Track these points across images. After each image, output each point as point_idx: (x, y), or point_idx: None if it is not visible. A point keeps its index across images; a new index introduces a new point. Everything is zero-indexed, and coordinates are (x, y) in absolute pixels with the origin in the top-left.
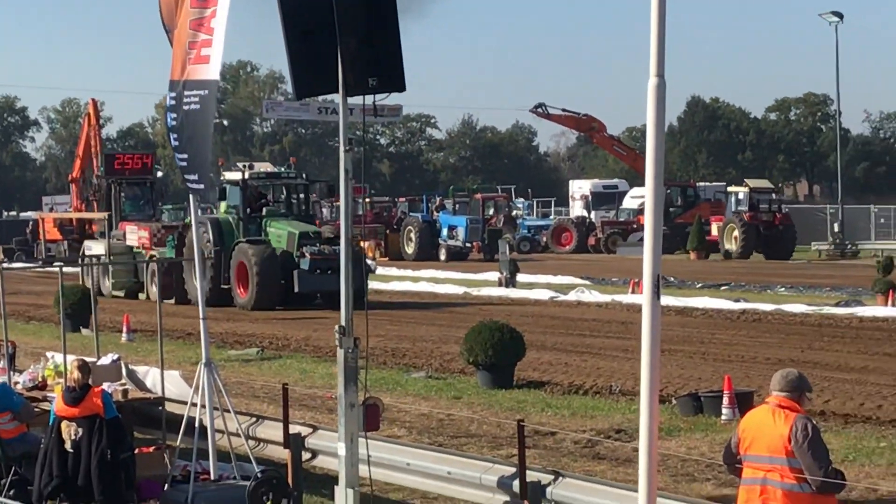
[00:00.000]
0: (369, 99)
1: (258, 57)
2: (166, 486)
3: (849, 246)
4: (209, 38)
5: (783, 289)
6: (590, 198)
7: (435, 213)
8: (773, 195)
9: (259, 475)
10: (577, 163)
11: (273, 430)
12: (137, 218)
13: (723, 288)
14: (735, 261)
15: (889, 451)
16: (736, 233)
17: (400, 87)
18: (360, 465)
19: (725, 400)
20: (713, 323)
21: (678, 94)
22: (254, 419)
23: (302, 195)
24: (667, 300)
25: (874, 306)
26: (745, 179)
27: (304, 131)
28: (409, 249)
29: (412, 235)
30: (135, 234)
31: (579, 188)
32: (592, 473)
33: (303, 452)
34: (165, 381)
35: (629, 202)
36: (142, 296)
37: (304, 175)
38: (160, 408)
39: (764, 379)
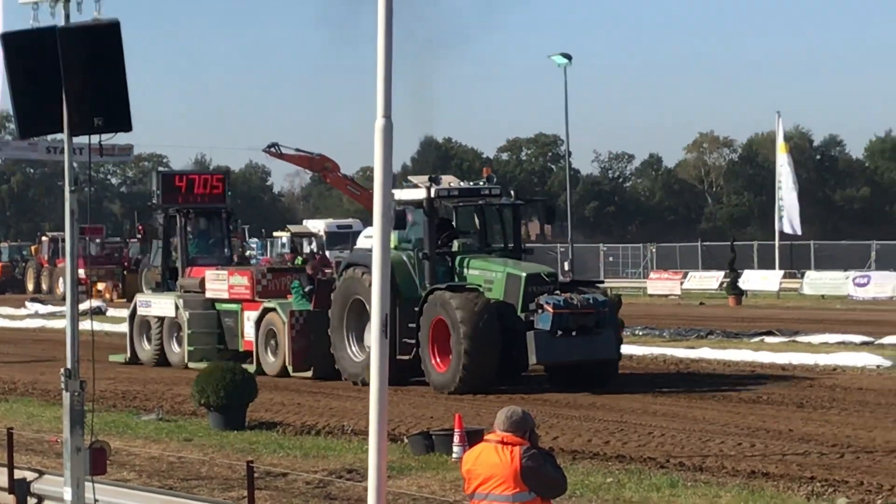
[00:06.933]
0: (95, 138)
1: None
2: None
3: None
4: None
5: None
6: (324, 238)
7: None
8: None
9: None
10: (312, 202)
11: None
12: (210, 261)
13: None
14: None
15: (616, 486)
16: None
17: (126, 126)
18: None
19: (456, 438)
20: None
21: (412, 135)
22: None
23: (509, 221)
24: None
25: None
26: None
27: (32, 171)
28: (149, 290)
29: (151, 276)
30: (222, 283)
31: (314, 227)
32: None
33: (28, 497)
34: None
35: (363, 241)
36: (248, 367)
37: (511, 192)
38: None
39: (494, 416)
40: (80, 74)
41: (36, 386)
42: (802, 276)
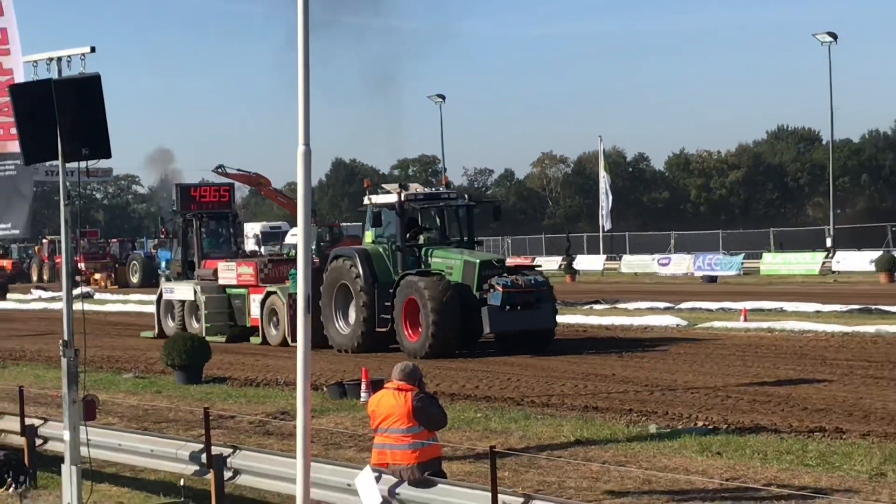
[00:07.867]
0: (83, 163)
1: None
2: None
3: None
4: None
5: None
6: (259, 236)
7: (153, 250)
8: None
9: (1, 458)
10: (250, 209)
11: (11, 423)
12: (220, 255)
13: None
14: None
15: (484, 419)
16: None
17: (107, 154)
18: (81, 448)
19: (363, 386)
20: None
21: (325, 156)
22: None
23: (464, 219)
24: None
25: None
26: None
27: (34, 189)
28: (135, 279)
29: (136, 268)
30: (231, 272)
31: (251, 229)
32: (263, 446)
33: (36, 439)
34: None
35: (290, 239)
36: (254, 339)
37: (466, 196)
38: None
39: (391, 370)
40: (70, 115)
41: (41, 353)
42: (620, 258)
